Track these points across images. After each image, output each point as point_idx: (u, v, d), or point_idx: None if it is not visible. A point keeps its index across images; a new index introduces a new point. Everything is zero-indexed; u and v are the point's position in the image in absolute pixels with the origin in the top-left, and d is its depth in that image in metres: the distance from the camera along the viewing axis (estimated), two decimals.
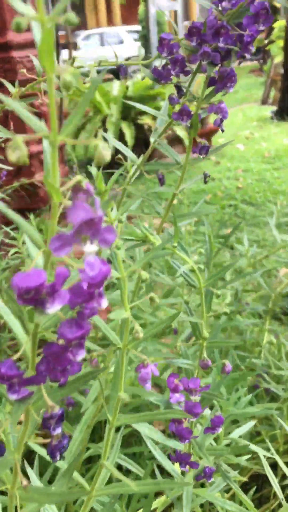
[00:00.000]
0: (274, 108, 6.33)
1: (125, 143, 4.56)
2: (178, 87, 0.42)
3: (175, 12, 5.95)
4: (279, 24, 7.63)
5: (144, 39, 9.80)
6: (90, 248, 0.21)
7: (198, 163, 0.44)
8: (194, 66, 0.40)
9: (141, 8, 9.36)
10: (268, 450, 0.66)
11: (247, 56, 0.38)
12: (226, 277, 0.86)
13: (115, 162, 0.67)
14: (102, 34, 13.28)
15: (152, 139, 0.45)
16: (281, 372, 0.69)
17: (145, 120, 4.66)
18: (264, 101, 7.54)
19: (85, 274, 0.20)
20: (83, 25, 16.98)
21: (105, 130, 4.89)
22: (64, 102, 6.05)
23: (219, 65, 0.39)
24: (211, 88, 0.41)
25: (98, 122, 5.00)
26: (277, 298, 0.77)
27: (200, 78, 0.39)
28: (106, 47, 12.89)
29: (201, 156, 0.43)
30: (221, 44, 0.36)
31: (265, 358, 0.85)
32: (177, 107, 0.43)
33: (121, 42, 13.03)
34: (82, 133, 4.95)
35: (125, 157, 0.50)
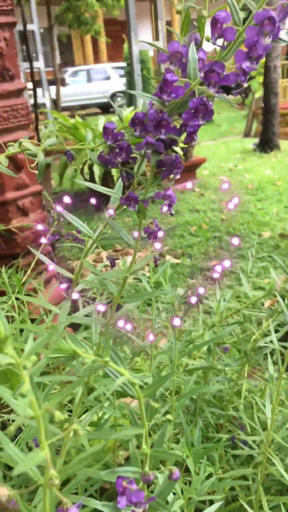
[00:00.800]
0: (257, 140, 6.51)
1: (111, 177, 4.62)
2: (126, 172, 0.42)
3: (158, 50, 6.17)
4: (256, 75, 7.95)
5: (129, 75, 10.12)
6: None
7: (148, 245, 0.44)
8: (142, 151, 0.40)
9: (126, 46, 9.72)
10: None
11: (194, 143, 0.38)
12: (199, 331, 0.84)
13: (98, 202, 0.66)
14: (89, 70, 13.67)
15: (104, 217, 0.45)
16: (255, 437, 0.66)
17: None
18: (246, 134, 7.76)
19: None
20: (70, 62, 17.51)
21: (91, 165, 4.95)
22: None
23: (165, 152, 0.39)
24: (160, 170, 0.41)
25: (85, 156, 5.06)
26: (250, 355, 0.75)
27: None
28: (93, 83, 13.25)
29: (150, 241, 0.43)
30: (162, 136, 0.36)
31: (241, 414, 0.82)
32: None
33: (108, 78, 13.40)
34: (69, 166, 5.01)
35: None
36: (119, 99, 13.40)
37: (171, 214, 0.43)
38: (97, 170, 4.70)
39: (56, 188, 5.56)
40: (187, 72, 0.35)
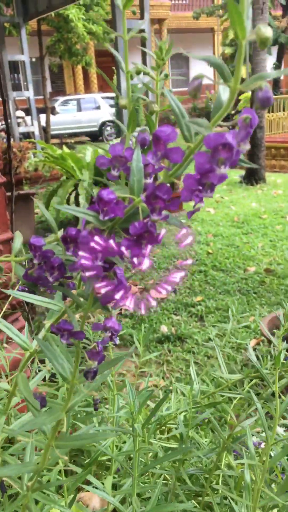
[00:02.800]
0: (243, 172, 6.57)
1: None
2: (63, 293, 0.35)
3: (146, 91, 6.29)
4: (245, 96, 8.16)
5: (119, 105, 10.22)
6: None
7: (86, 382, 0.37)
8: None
9: (115, 77, 9.88)
10: None
11: (144, 266, 0.31)
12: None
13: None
14: (79, 100, 13.87)
15: (36, 338, 0.37)
16: None
17: None
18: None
19: None
20: (61, 91, 17.79)
21: (77, 195, 4.93)
22: (39, 166, 6.11)
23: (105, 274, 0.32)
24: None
25: (71, 186, 5.06)
26: (228, 444, 0.67)
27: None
28: (83, 112, 13.43)
29: (88, 380, 0.35)
30: (99, 262, 0.29)
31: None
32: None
33: (98, 107, 13.61)
34: (54, 197, 4.99)
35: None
36: (108, 128, 13.59)
37: (115, 345, 0.36)
38: (82, 201, 4.67)
39: (41, 217, 5.50)
40: (129, 186, 0.29)
